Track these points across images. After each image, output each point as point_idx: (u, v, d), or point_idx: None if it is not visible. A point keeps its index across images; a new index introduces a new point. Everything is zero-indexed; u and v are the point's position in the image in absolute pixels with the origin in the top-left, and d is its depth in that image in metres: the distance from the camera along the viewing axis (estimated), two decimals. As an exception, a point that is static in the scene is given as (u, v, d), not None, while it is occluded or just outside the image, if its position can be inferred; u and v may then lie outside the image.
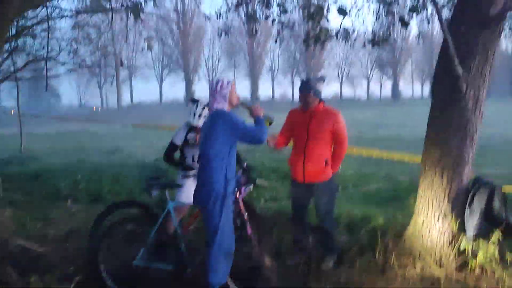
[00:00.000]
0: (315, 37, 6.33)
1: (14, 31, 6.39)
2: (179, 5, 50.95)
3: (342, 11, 3.92)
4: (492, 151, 12.34)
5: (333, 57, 63.45)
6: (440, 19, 3.74)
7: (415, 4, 6.40)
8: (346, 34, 6.56)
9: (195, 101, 4.73)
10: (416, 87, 67.45)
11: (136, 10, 6.30)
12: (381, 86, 67.77)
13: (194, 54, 57.37)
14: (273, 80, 64.50)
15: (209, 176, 3.56)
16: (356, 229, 5.31)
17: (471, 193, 4.10)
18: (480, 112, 4.06)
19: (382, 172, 9.12)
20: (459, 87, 3.93)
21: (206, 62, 61.90)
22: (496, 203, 4.06)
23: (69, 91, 68.74)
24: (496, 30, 3.95)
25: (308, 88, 4.36)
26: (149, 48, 8.31)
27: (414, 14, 6.08)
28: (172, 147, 4.78)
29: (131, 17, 8.50)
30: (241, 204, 3.94)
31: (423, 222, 4.29)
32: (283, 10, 6.08)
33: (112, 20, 7.59)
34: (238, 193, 3.77)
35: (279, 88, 70.06)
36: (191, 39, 55.17)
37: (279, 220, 5.33)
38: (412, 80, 65.81)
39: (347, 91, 68.34)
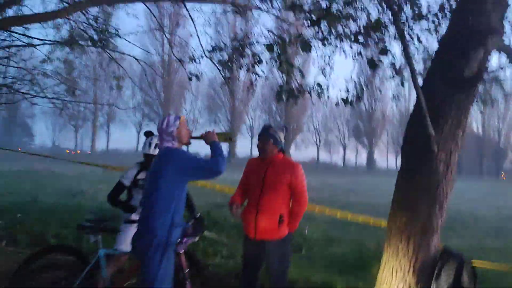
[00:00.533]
0: (288, 91, 6.18)
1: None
2: (165, 57, 51.56)
3: (304, 47, 3.68)
4: (461, 224, 12.17)
5: (312, 122, 64.86)
6: (413, 75, 3.56)
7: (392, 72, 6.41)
8: (319, 90, 6.44)
9: (149, 134, 4.47)
10: (390, 159, 68.56)
11: (101, 43, 6.14)
12: (356, 155, 68.96)
13: (175, 106, 57.67)
14: (252, 139, 64.96)
15: (152, 220, 3.14)
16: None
17: (438, 265, 3.75)
18: (451, 176, 3.81)
19: (349, 236, 8.73)
20: (430, 148, 3.69)
21: (186, 115, 62.27)
22: (465, 278, 3.72)
23: (44, 132, 67.63)
24: (470, 93, 3.80)
25: (267, 135, 4.03)
26: (118, 87, 8.08)
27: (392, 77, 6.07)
28: (118, 187, 4.41)
29: (106, 57, 8.33)
30: (182, 257, 3.43)
31: (385, 294, 3.89)
32: (258, 60, 5.91)
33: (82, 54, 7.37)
34: (179, 243, 3.29)
35: (256, 148, 70.12)
36: (173, 90, 55.59)
37: (231, 279, 4.84)
38: (387, 151, 67.01)
39: (324, 156, 69.23)
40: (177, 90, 55.94)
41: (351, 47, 3.88)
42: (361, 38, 2.87)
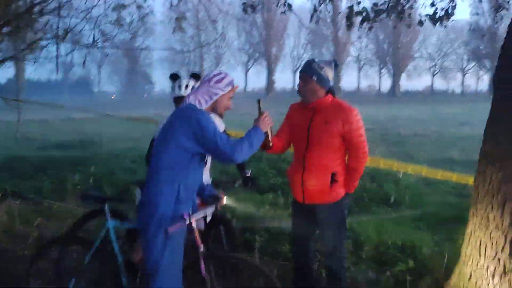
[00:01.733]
0: (361, 13, 5.09)
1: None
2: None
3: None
4: None
5: (425, 47, 59.44)
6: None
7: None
8: (399, 10, 5.21)
9: (176, 77, 3.76)
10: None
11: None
12: (478, 80, 62.27)
13: (278, 43, 56.63)
14: (360, 71, 62.30)
15: (155, 191, 2.55)
16: (389, 264, 4.04)
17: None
18: None
19: (452, 183, 7.31)
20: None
21: (290, 52, 61.25)
22: None
23: (164, 79, 70.87)
24: None
25: (309, 71, 3.08)
26: (179, 29, 7.46)
27: None
28: (152, 146, 3.81)
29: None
30: (196, 233, 2.76)
31: (470, 275, 2.95)
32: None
33: None
34: (191, 217, 2.63)
35: (365, 79, 67.14)
36: (274, 28, 54.38)
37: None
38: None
39: (440, 84, 63.77)
40: (277, 27, 54.56)
41: None
42: None
